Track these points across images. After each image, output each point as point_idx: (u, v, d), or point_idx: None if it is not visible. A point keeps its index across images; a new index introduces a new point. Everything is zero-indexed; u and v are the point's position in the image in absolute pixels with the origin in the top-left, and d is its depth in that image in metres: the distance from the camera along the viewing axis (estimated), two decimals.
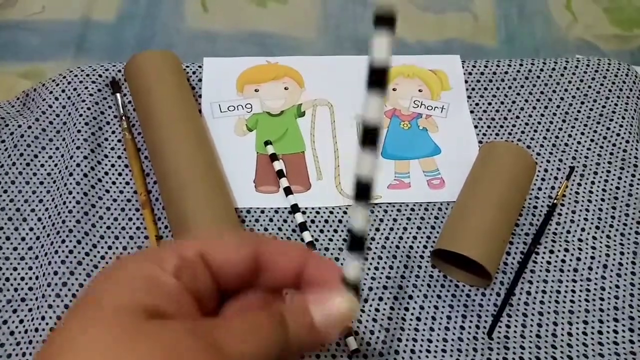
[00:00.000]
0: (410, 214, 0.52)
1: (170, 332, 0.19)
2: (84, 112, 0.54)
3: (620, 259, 0.50)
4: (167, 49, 0.56)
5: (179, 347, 0.19)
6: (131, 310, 0.19)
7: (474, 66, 0.60)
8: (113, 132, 0.54)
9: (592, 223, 0.51)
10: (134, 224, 0.50)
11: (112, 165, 0.52)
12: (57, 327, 0.21)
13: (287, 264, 0.24)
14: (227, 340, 0.20)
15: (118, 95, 0.55)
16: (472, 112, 0.58)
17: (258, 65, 0.60)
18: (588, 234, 0.51)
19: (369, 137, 0.21)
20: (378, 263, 0.49)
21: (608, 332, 0.46)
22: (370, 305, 0.47)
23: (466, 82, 0.60)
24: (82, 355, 0.18)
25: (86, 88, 0.55)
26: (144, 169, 0.52)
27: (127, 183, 0.52)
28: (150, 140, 0.50)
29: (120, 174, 0.52)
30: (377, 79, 0.20)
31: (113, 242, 0.49)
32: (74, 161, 0.51)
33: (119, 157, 0.53)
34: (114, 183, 0.52)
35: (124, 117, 0.54)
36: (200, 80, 0.58)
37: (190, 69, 0.58)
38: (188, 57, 0.60)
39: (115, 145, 0.53)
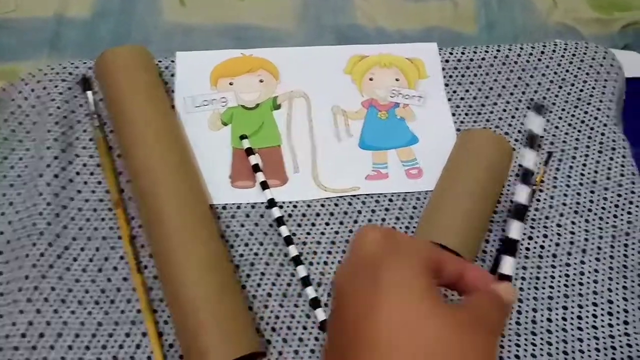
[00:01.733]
0: (389, 205, 0.51)
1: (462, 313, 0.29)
2: (54, 111, 0.53)
3: (599, 243, 0.49)
4: (144, 44, 0.55)
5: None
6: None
7: (450, 53, 0.60)
8: (85, 131, 0.53)
9: (570, 208, 0.51)
10: (106, 224, 0.49)
11: (84, 165, 0.51)
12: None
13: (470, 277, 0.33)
14: (489, 314, 0.30)
15: (89, 92, 0.54)
16: (449, 100, 0.57)
17: (232, 58, 0.59)
18: (567, 219, 0.50)
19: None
20: None
21: (587, 316, 0.46)
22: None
23: (443, 69, 0.59)
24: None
25: (56, 87, 0.54)
26: (116, 168, 0.51)
27: (100, 182, 0.51)
28: (122, 138, 0.49)
29: (92, 174, 0.51)
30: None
31: (85, 244, 0.48)
32: (44, 162, 0.50)
33: (91, 157, 0.52)
34: (85, 183, 0.51)
35: (95, 115, 0.53)
36: (173, 75, 0.57)
37: (163, 64, 0.57)
38: (165, 52, 0.59)
39: (87, 144, 0.52)
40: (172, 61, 0.58)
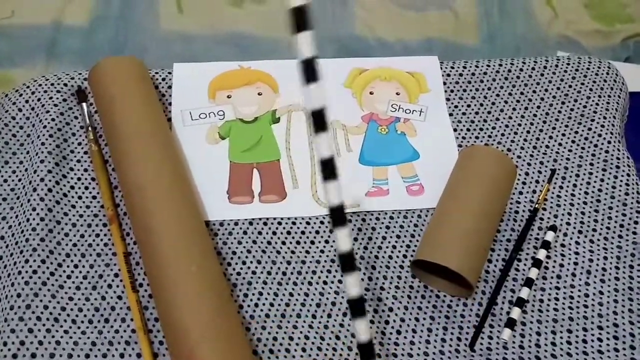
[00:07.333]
0: (389, 222, 0.51)
1: None
2: (48, 123, 0.52)
3: (604, 264, 0.48)
4: (141, 52, 0.54)
5: None
6: None
7: (452, 67, 0.59)
8: (79, 144, 0.52)
9: (574, 228, 0.50)
10: (101, 240, 0.48)
11: (79, 179, 0.50)
12: None
13: None
14: None
15: (84, 104, 0.53)
16: (450, 114, 0.56)
17: (230, 71, 0.58)
18: (571, 239, 0.50)
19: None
20: None
21: (592, 340, 0.45)
22: (350, 320, 0.46)
23: (444, 83, 0.58)
24: None
25: (50, 98, 0.53)
26: (111, 182, 0.50)
27: (94, 197, 0.50)
28: (115, 152, 0.48)
29: (87, 188, 0.50)
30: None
31: (79, 260, 0.47)
32: (38, 175, 0.49)
33: (86, 170, 0.51)
34: (80, 197, 0.50)
35: (90, 128, 0.52)
36: (170, 87, 0.56)
37: (160, 76, 0.56)
38: (163, 60, 0.58)
39: (82, 157, 0.51)
40: (169, 73, 0.57)
